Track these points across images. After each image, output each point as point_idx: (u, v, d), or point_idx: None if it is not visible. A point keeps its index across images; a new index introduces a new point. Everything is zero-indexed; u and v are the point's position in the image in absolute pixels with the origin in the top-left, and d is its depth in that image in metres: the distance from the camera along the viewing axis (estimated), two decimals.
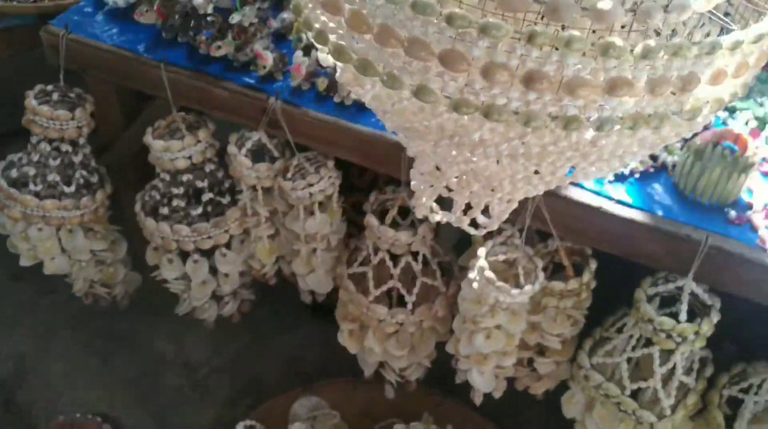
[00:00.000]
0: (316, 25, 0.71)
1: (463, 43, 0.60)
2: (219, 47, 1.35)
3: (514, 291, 1.23)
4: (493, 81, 0.61)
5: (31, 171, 1.56)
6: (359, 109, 1.33)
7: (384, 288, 1.45)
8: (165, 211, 1.51)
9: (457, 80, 0.62)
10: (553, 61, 0.60)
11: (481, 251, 1.27)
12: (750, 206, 1.20)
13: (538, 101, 0.62)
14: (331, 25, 0.69)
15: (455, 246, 1.57)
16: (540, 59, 0.60)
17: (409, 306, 1.44)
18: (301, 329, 1.91)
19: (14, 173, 1.58)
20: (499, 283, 1.22)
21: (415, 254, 1.42)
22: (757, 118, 1.34)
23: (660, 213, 1.19)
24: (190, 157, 1.46)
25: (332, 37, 0.68)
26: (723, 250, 1.15)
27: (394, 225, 1.43)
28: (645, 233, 1.19)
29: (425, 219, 1.39)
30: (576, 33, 0.59)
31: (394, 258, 1.43)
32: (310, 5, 0.71)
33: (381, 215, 1.43)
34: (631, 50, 0.60)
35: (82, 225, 1.60)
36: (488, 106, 0.62)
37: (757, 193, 1.21)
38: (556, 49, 0.60)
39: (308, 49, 1.37)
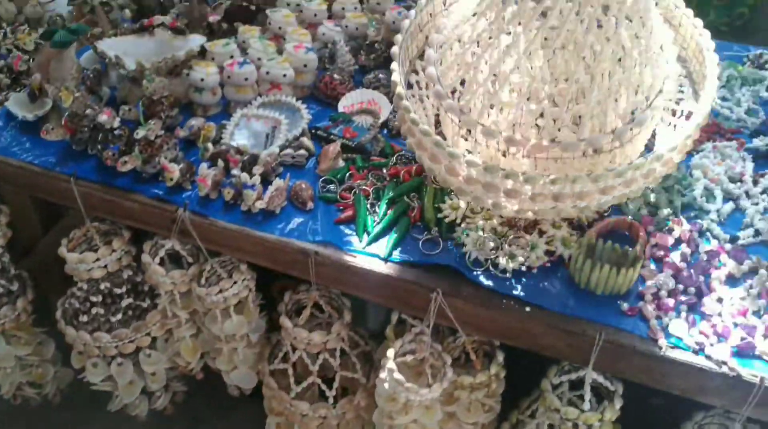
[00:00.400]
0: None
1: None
2: (125, 163, 1.38)
3: (423, 390, 1.26)
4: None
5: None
6: (265, 217, 1.36)
7: (304, 384, 1.47)
8: (84, 318, 1.52)
9: None
10: None
11: (390, 352, 1.30)
12: (642, 296, 1.24)
13: None
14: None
15: (377, 335, 1.60)
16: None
17: (330, 400, 1.47)
18: (236, 414, 1.92)
19: None
20: (408, 384, 1.25)
21: (332, 350, 1.45)
22: (647, 204, 1.39)
23: (557, 308, 1.23)
24: (105, 267, 1.47)
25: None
26: (616, 343, 1.19)
27: (314, 320, 1.46)
28: (544, 328, 1.23)
29: (340, 315, 1.43)
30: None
31: (313, 355, 1.46)
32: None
33: (299, 312, 1.46)
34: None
35: (5, 333, 1.60)
36: None
37: (648, 282, 1.26)
38: None
39: (215, 159, 1.40)
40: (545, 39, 1.19)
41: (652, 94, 1.20)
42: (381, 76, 1.65)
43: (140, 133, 1.39)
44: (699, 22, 1.34)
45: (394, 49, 1.28)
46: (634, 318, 1.22)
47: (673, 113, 1.31)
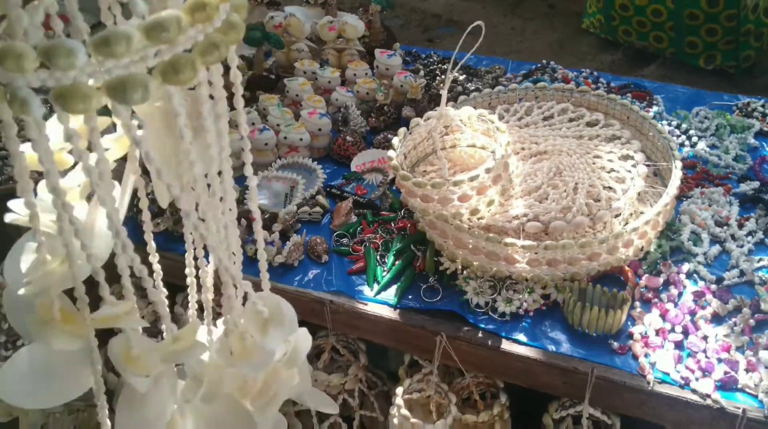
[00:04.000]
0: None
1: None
2: (158, 224, 1.52)
3: (428, 426, 1.36)
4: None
5: None
6: (285, 270, 1.49)
7: (326, 423, 1.58)
8: None
9: None
10: None
11: (399, 390, 1.41)
12: (631, 335, 1.34)
13: None
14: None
15: (396, 375, 1.70)
16: None
17: None
18: None
19: None
20: (414, 420, 1.36)
21: (351, 391, 1.56)
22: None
23: (552, 348, 1.33)
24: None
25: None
26: (608, 379, 1.29)
27: (332, 363, 1.58)
28: (541, 367, 1.33)
29: (356, 358, 1.54)
30: None
31: (333, 396, 1.57)
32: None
33: (318, 356, 1.58)
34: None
35: None
36: None
37: (638, 322, 1.36)
38: None
39: (238, 218, 1.54)
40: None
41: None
42: (390, 136, 1.79)
43: None
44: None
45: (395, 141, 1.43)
46: (624, 356, 1.31)
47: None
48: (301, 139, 1.73)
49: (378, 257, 1.49)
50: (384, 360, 1.94)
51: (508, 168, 1.39)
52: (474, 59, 2.17)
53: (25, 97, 0.56)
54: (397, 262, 1.47)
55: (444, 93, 1.39)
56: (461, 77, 1.94)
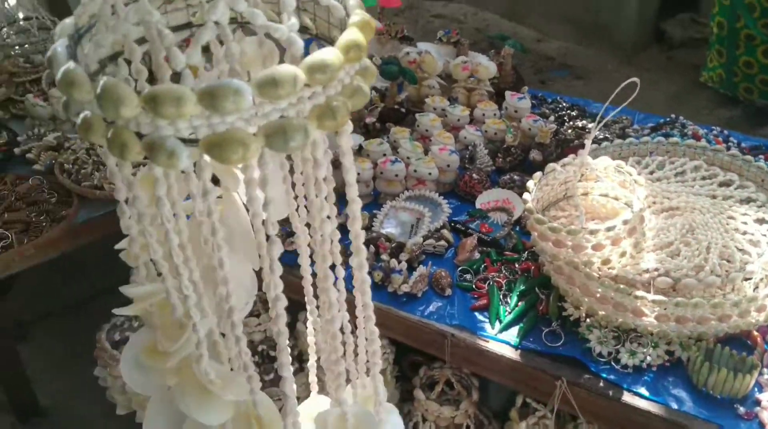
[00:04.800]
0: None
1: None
2: (291, 243, 1.60)
3: None
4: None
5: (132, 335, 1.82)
6: (409, 299, 1.53)
7: None
8: None
9: None
10: None
11: None
12: (758, 402, 1.32)
13: None
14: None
15: (497, 413, 1.72)
16: None
17: None
18: None
19: (116, 336, 1.84)
20: None
21: (459, 425, 1.58)
22: None
23: (674, 405, 1.32)
24: (265, 331, 1.68)
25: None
26: None
27: (444, 395, 1.61)
28: (662, 424, 1.32)
29: (469, 394, 1.56)
30: None
31: (441, 428, 1.59)
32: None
33: (431, 386, 1.61)
34: None
35: None
36: None
37: (765, 389, 1.33)
38: None
39: (366, 244, 1.60)
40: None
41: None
42: (516, 177, 1.82)
43: None
44: None
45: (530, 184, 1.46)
46: (750, 422, 1.29)
47: None
48: (430, 174, 1.78)
49: (501, 296, 1.51)
50: (485, 396, 1.95)
51: (643, 221, 1.39)
52: (600, 107, 2.17)
53: (173, 148, 0.51)
54: (520, 304, 1.49)
55: (587, 143, 1.42)
56: (589, 125, 1.95)
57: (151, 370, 0.78)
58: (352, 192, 0.69)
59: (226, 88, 0.49)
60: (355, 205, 0.70)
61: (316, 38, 0.73)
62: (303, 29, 0.74)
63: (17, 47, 2.61)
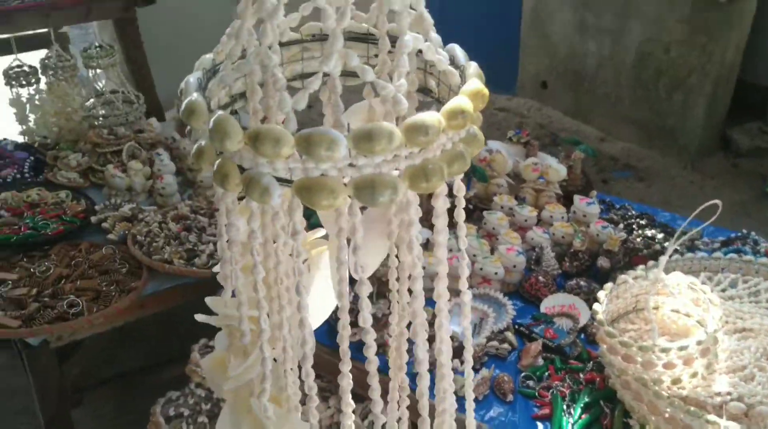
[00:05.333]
0: None
1: None
2: (354, 333, 1.60)
3: None
4: None
5: (186, 411, 1.83)
6: None
7: None
8: None
9: None
10: None
11: None
12: None
13: None
14: None
15: None
16: None
17: None
18: None
19: (171, 411, 1.85)
20: None
21: None
22: None
23: None
24: None
25: None
26: None
27: None
28: None
29: None
30: None
31: None
32: None
33: None
34: None
35: None
36: None
37: None
38: None
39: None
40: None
41: None
42: (582, 283, 1.80)
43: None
44: None
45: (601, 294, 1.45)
46: None
47: None
48: (495, 273, 1.78)
49: (565, 407, 1.48)
50: None
51: (716, 342, 1.36)
52: (669, 217, 2.17)
53: (267, 186, 0.54)
54: (584, 416, 1.46)
55: (663, 260, 1.41)
56: (659, 235, 1.94)
57: (213, 379, 0.82)
58: (441, 253, 0.72)
59: (323, 136, 0.52)
60: (442, 267, 0.72)
61: (437, 101, 0.75)
62: (426, 91, 0.77)
63: (102, 118, 2.73)
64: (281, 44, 0.73)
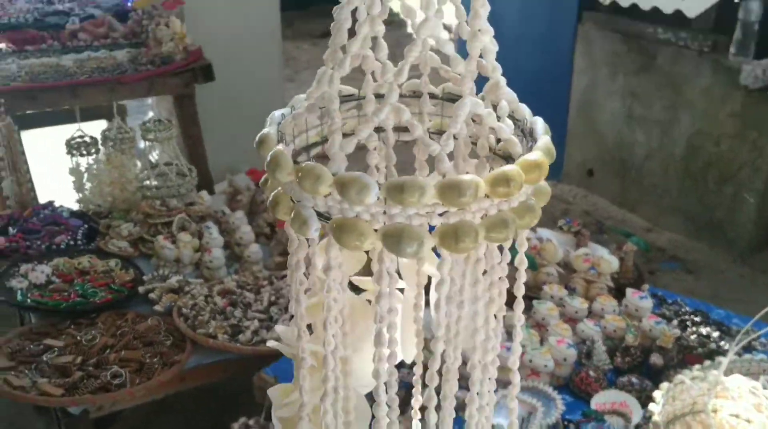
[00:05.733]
0: None
1: None
2: None
3: None
4: None
5: None
6: None
7: None
8: None
9: None
10: None
11: None
12: None
13: None
14: None
15: None
16: None
17: None
18: None
19: None
20: None
21: None
22: None
23: None
24: None
25: None
26: None
27: None
28: None
29: None
30: None
31: None
32: None
33: None
34: None
35: None
36: None
37: None
38: None
39: None
40: None
41: None
42: (634, 380, 1.74)
43: None
44: None
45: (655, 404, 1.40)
46: None
47: None
48: (545, 366, 1.74)
49: None
50: None
51: None
52: (723, 314, 2.11)
53: (307, 218, 0.59)
54: None
55: (724, 363, 1.36)
56: (714, 334, 1.88)
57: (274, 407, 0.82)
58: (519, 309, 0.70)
59: (355, 181, 0.55)
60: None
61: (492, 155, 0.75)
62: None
63: (155, 189, 2.79)
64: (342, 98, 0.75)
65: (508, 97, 0.69)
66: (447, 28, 0.70)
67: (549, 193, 0.65)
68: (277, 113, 0.69)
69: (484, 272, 0.66)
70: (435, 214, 0.57)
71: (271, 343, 0.83)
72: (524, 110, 0.70)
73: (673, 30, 4.06)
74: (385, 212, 0.57)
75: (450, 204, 0.56)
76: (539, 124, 0.69)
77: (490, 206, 0.59)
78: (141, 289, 2.32)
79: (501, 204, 0.59)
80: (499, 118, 0.66)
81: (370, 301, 0.77)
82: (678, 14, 3.68)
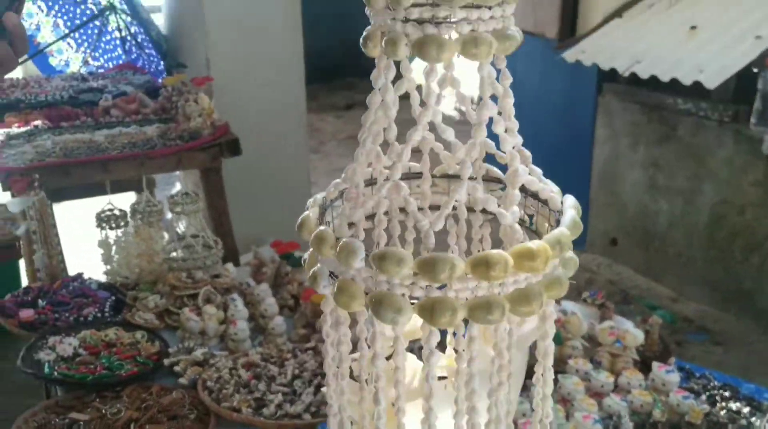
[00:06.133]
0: None
1: None
2: None
3: None
4: None
5: None
6: None
7: None
8: None
9: None
10: None
11: None
12: None
13: None
14: None
15: None
16: None
17: None
18: None
19: None
20: None
21: None
22: None
23: None
24: None
25: None
26: None
27: None
28: None
29: None
30: None
31: None
32: None
33: None
34: None
35: None
36: None
37: None
38: None
39: None
40: None
41: None
42: None
43: None
44: None
45: None
46: None
47: None
48: None
49: None
50: None
51: None
52: (754, 389, 2.07)
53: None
54: None
55: None
56: (744, 409, 1.85)
57: None
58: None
59: (392, 256, 0.58)
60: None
61: (525, 227, 0.77)
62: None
63: (181, 261, 2.84)
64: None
65: (528, 178, 0.72)
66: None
67: (577, 263, 0.67)
68: (312, 215, 0.72)
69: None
70: (465, 288, 0.60)
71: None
72: (550, 187, 0.73)
73: (693, 101, 4.10)
74: (422, 287, 0.60)
75: (480, 277, 0.59)
76: (569, 201, 0.71)
77: (521, 280, 0.62)
78: (166, 361, 2.33)
79: (531, 278, 0.62)
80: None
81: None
82: (697, 85, 3.73)
